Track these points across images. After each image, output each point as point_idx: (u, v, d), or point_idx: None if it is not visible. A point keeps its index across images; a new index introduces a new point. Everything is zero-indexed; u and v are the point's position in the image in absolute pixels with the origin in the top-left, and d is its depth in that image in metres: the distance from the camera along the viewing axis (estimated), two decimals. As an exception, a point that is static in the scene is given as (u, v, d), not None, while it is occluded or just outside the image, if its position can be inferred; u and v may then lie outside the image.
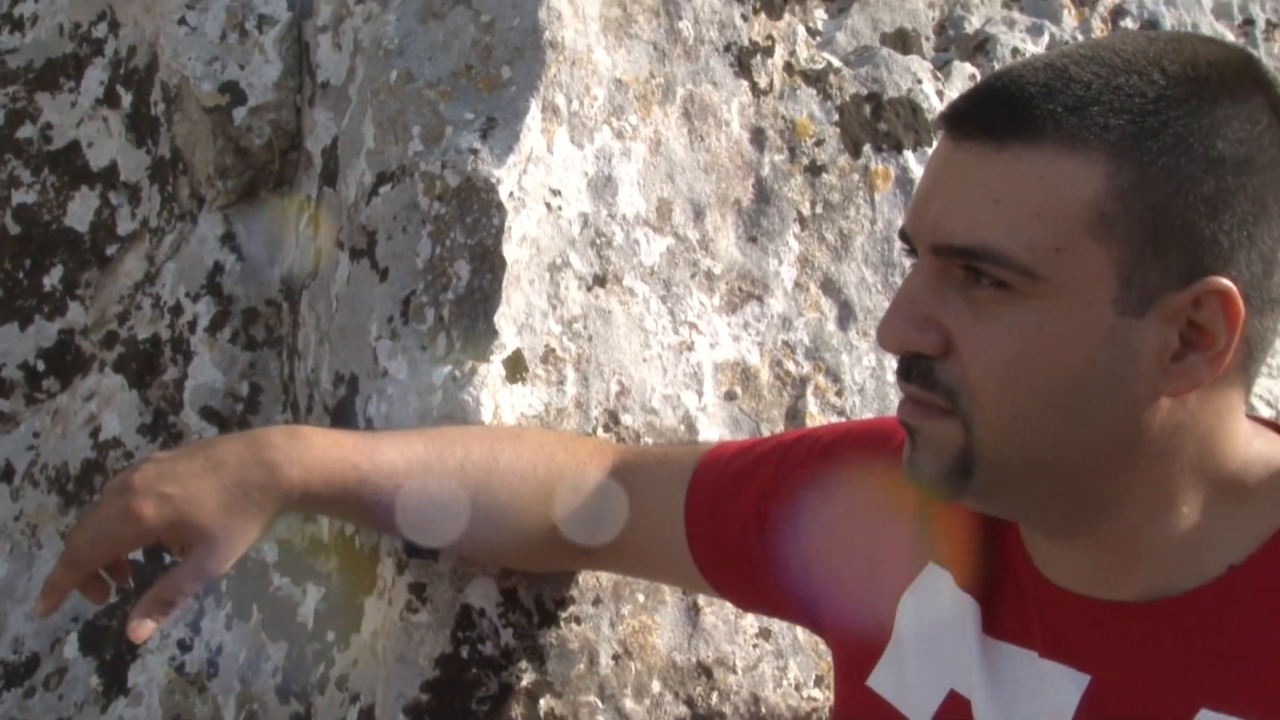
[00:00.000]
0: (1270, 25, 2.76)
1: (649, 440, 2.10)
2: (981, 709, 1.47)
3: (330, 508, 1.90)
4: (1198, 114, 1.27)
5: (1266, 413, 2.60)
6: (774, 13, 2.33)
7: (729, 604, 2.02)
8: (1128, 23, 2.69)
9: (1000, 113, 1.30)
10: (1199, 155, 1.26)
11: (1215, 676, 1.32)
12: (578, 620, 2.00)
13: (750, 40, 2.30)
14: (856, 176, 2.34)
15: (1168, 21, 2.71)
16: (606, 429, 2.07)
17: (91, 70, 2.73)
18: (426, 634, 1.96)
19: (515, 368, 1.98)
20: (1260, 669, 1.30)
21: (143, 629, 1.76)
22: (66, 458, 2.56)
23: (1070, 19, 2.64)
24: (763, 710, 2.13)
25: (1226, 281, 1.26)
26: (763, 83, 2.30)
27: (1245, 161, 1.27)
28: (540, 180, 2.05)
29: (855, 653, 1.64)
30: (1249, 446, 1.37)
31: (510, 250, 2.01)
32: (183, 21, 2.45)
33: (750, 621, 2.12)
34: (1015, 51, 2.52)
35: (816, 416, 2.26)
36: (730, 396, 2.19)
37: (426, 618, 1.97)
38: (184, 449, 1.85)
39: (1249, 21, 2.79)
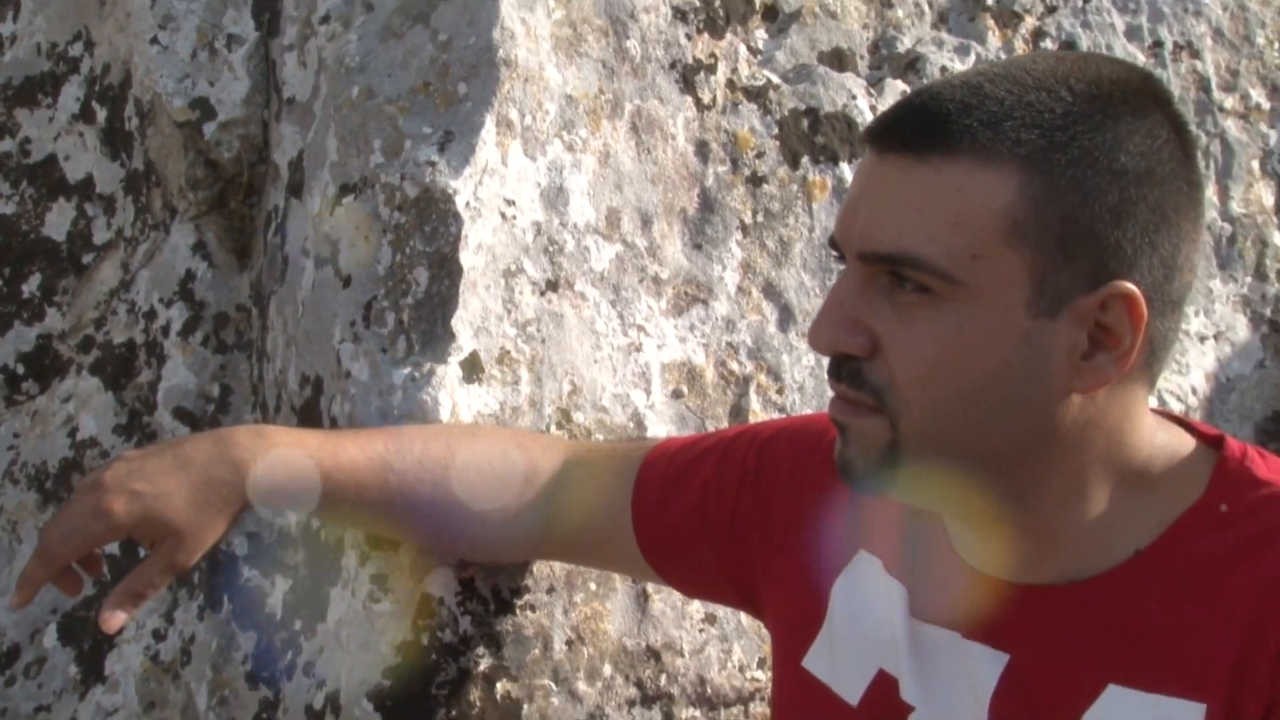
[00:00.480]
0: (1177, 47, 2.78)
1: (599, 437, 2.10)
2: (908, 687, 1.48)
3: (294, 503, 1.90)
4: (1102, 129, 1.28)
5: (1176, 407, 2.62)
6: (717, 33, 2.34)
7: (675, 591, 2.03)
8: (1047, 43, 2.70)
9: (921, 129, 1.31)
10: (1103, 168, 1.27)
11: (1123, 654, 1.33)
12: (532, 608, 2.01)
13: (694, 58, 2.30)
14: (795, 187, 2.35)
15: (1083, 43, 2.72)
16: (559, 426, 2.07)
17: (68, 87, 2.72)
18: (388, 622, 1.96)
19: (472, 369, 1.98)
20: (1162, 646, 1.32)
21: (114, 620, 1.76)
22: (45, 457, 2.55)
23: (995, 40, 2.65)
24: (708, 691, 2.14)
25: (1131, 285, 1.28)
26: (706, 98, 2.31)
27: (1146, 174, 1.29)
28: (495, 191, 2.05)
29: (792, 635, 1.64)
30: (1153, 439, 1.38)
31: (467, 257, 2.01)
32: (155, 41, 2.45)
33: (696, 607, 2.13)
34: (944, 69, 2.54)
35: (758, 413, 2.27)
36: (677, 395, 2.20)
37: (388, 607, 1.97)
38: (154, 447, 1.84)
39: (1158, 44, 2.81)
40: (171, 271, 2.47)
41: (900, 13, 2.61)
